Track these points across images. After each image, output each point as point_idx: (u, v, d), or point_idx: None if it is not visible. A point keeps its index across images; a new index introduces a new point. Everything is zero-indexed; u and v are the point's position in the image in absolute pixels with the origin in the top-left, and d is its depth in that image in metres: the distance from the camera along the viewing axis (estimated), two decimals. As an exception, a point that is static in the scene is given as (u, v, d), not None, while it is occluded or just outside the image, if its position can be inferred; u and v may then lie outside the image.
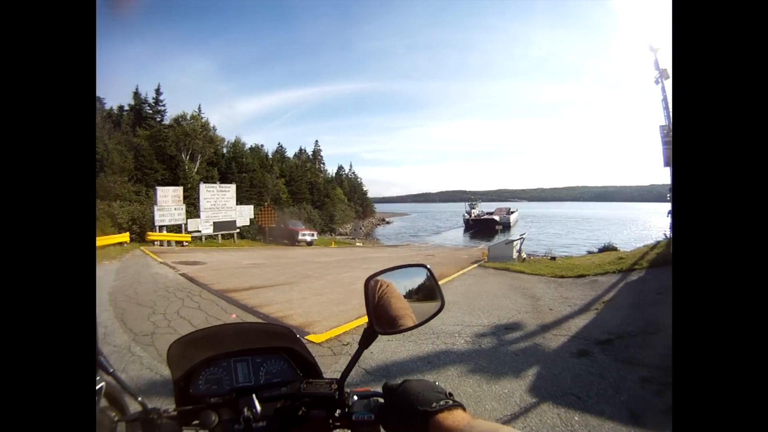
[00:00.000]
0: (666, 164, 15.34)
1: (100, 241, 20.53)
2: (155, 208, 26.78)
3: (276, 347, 1.38)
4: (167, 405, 1.20)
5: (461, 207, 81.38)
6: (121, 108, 45.79)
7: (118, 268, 13.47)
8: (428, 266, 1.24)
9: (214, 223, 30.26)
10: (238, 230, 32.14)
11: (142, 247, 22.49)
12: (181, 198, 28.53)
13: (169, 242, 26.29)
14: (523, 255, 18.68)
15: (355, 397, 1.13)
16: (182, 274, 11.98)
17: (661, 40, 16.17)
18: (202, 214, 29.76)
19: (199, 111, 45.31)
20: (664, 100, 15.46)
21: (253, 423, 1.14)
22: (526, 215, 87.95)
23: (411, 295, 1.20)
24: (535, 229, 31.28)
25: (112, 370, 1.10)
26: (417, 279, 1.24)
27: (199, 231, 29.32)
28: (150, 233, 25.84)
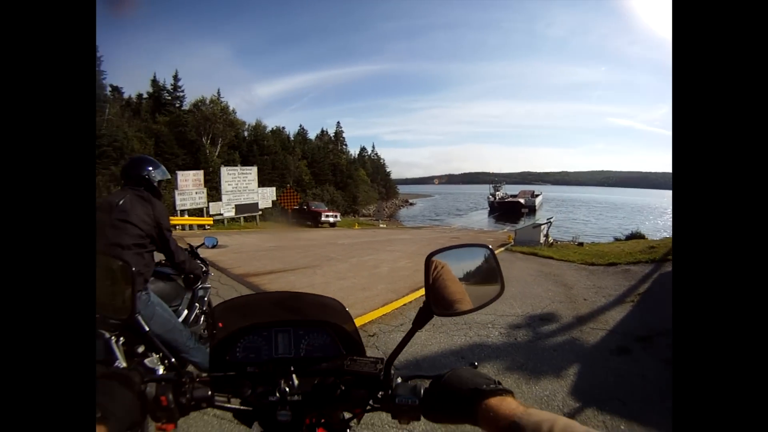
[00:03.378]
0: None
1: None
2: (176, 192, 26.69)
3: (321, 321, 1.30)
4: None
5: (484, 189, 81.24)
6: (140, 96, 46.62)
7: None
8: (490, 247, 1.16)
9: (236, 205, 30.24)
10: (260, 212, 32.11)
11: (164, 231, 22.35)
12: (202, 181, 28.43)
13: (191, 226, 26.29)
14: (550, 240, 18.24)
15: (399, 379, 1.06)
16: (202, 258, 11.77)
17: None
18: (223, 197, 29.74)
19: (219, 95, 45.58)
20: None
21: (288, 396, 1.09)
22: (549, 198, 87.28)
23: (470, 277, 1.14)
24: (560, 214, 30.41)
25: (147, 330, 1.14)
26: (478, 260, 1.17)
27: (221, 214, 29.32)
28: (171, 218, 25.40)
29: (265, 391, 1.11)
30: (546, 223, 18.85)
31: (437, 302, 1.06)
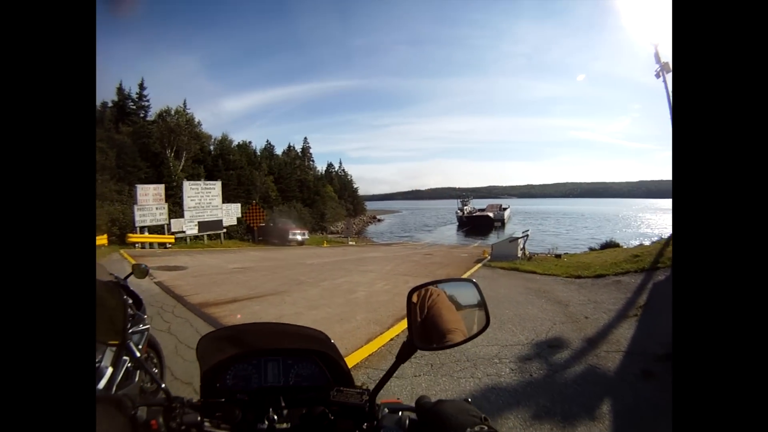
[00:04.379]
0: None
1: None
2: (135, 207, 25.26)
3: (309, 350, 1.35)
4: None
5: (451, 204, 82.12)
6: (104, 104, 44.36)
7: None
8: (475, 281, 1.21)
9: (199, 222, 28.82)
10: (224, 230, 30.79)
11: (121, 251, 20.93)
12: (163, 196, 27.00)
13: (151, 244, 24.83)
14: (527, 253, 18.05)
15: (386, 410, 1.11)
16: (157, 283, 10.51)
17: (662, 33, 15.76)
18: (186, 214, 28.29)
19: (185, 106, 43.86)
20: (668, 93, 14.25)
21: (277, 424, 1.12)
22: (517, 211, 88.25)
23: (455, 310, 1.15)
24: (530, 226, 30.77)
25: (138, 356, 1.19)
26: (462, 294, 1.19)
27: (184, 231, 27.87)
28: (130, 235, 24.34)
29: (254, 419, 1.12)
30: (522, 236, 18.58)
31: (421, 336, 1.09)
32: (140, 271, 3.78)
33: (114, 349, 2.74)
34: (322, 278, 12.59)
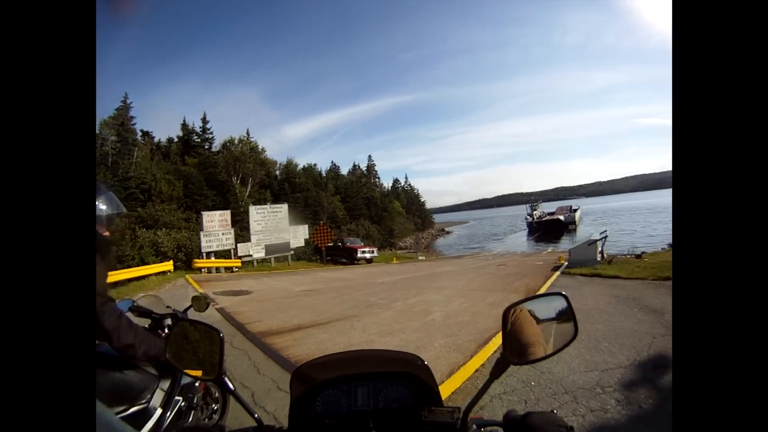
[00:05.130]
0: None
1: (139, 271, 19.52)
2: (201, 233, 25.38)
3: (399, 372, 1.34)
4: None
5: (519, 210, 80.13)
6: (170, 140, 46.79)
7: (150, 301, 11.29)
8: (565, 294, 1.22)
9: (266, 246, 28.62)
10: (292, 251, 30.45)
11: (187, 275, 20.94)
12: (229, 222, 27.00)
13: (217, 269, 24.78)
14: (606, 256, 16.61)
15: (475, 427, 1.12)
16: (219, 309, 9.97)
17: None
18: (252, 237, 28.23)
19: (248, 135, 45.26)
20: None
21: None
22: (588, 212, 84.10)
23: (544, 324, 1.18)
24: (602, 226, 28.71)
25: (233, 388, 1.23)
26: (553, 307, 1.22)
27: (251, 255, 27.77)
28: (196, 260, 24.42)
29: None
30: (600, 238, 17.21)
31: (513, 351, 1.10)
32: (200, 304, 3.42)
33: (167, 386, 2.54)
34: (393, 299, 11.42)
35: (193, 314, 3.26)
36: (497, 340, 5.97)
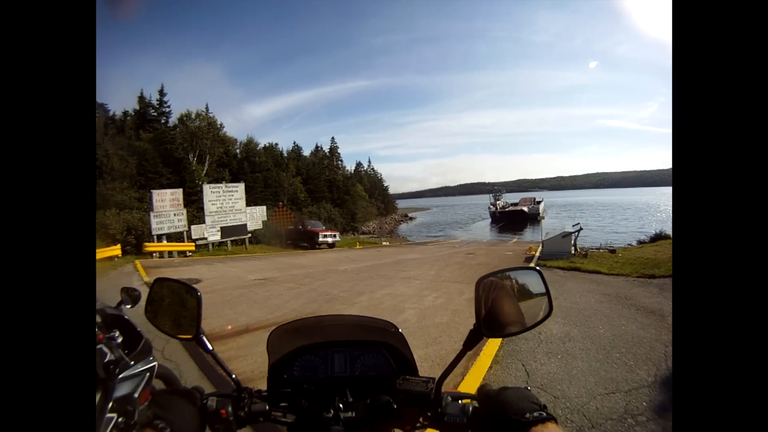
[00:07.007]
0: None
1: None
2: (151, 214, 23.56)
3: (375, 341, 1.32)
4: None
5: (482, 199, 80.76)
6: (125, 113, 44.00)
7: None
8: (539, 269, 1.15)
9: (221, 228, 27.00)
10: (249, 234, 28.89)
11: (136, 261, 19.27)
12: (181, 201, 25.22)
13: (170, 253, 23.08)
14: (579, 249, 16.73)
15: (449, 398, 1.08)
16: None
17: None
18: (207, 219, 26.52)
19: (207, 109, 42.84)
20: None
21: (342, 413, 1.10)
22: (551, 204, 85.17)
23: (519, 299, 1.14)
24: (568, 220, 28.72)
25: (210, 349, 1.14)
26: (527, 282, 1.16)
27: (205, 238, 26.11)
28: (147, 244, 22.71)
29: (320, 408, 1.11)
30: (574, 231, 16.99)
31: (486, 324, 1.06)
32: (129, 297, 2.64)
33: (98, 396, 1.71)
34: (358, 291, 10.42)
35: (127, 309, 2.47)
36: (490, 351, 5.39)
